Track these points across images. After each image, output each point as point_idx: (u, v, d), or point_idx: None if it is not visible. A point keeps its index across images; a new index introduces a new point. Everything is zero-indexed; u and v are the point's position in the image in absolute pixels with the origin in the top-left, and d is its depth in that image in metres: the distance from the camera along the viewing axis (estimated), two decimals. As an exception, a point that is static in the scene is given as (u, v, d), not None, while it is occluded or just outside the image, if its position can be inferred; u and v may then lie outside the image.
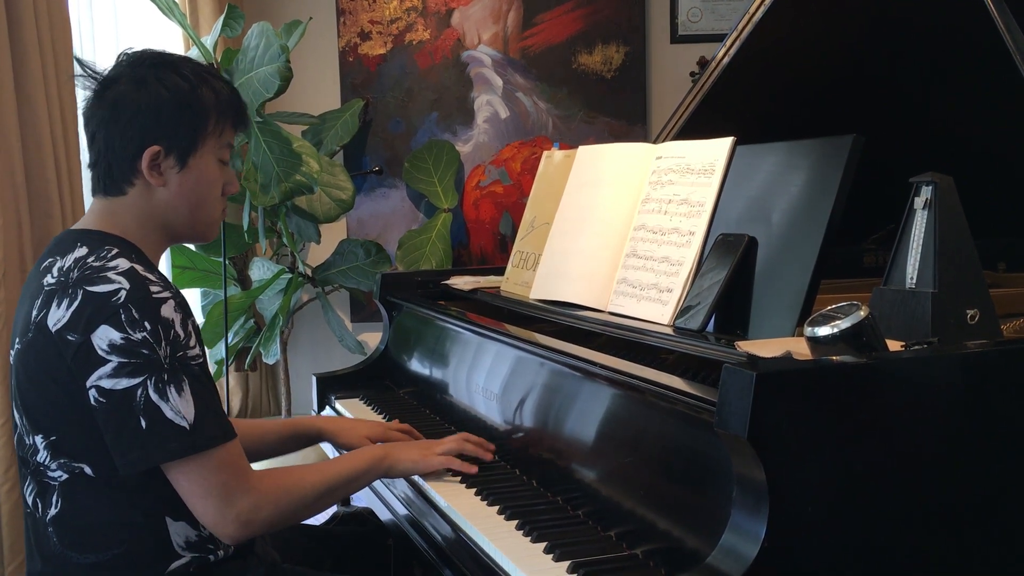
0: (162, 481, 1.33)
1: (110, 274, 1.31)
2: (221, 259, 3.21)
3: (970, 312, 1.28)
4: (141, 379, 1.27)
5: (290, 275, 3.36)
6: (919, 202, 1.31)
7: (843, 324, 1.15)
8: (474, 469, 1.61)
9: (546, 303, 1.88)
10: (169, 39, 3.38)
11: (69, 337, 1.29)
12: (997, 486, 1.17)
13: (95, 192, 1.43)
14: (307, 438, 1.82)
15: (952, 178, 1.31)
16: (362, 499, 2.05)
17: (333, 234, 3.65)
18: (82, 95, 1.47)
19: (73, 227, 1.45)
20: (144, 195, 1.40)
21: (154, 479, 1.33)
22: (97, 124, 1.40)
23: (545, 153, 2.21)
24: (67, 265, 1.34)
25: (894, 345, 1.21)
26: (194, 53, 3.09)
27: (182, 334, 1.31)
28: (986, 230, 1.51)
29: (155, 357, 1.28)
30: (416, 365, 2.26)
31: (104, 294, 1.29)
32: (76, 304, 1.30)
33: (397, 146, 3.74)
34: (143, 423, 1.27)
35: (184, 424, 1.29)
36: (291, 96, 3.33)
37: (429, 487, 1.60)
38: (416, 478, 1.66)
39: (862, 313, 1.16)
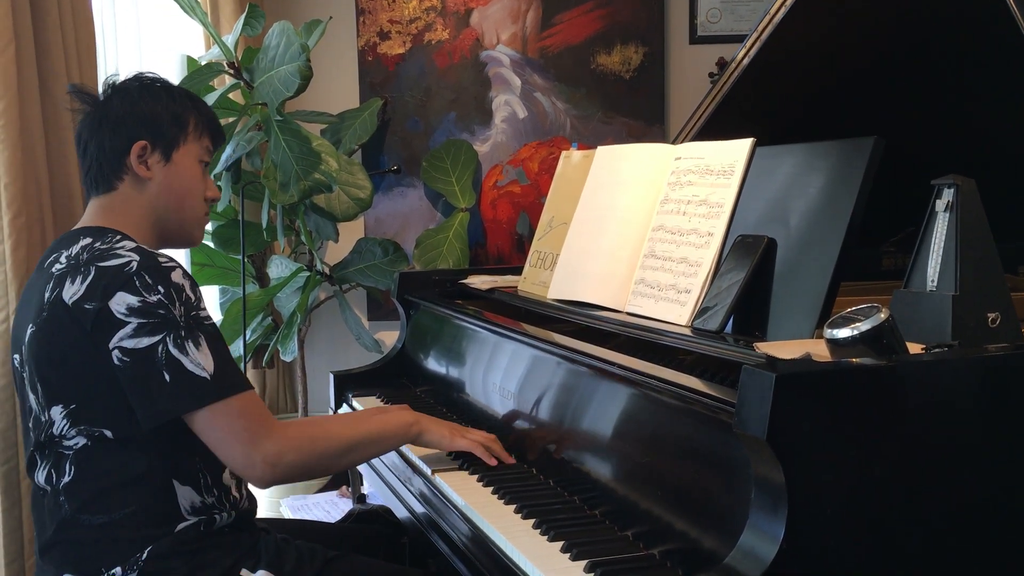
0: (172, 445, 1.42)
1: (120, 251, 1.43)
2: (240, 256, 3.23)
3: (991, 315, 1.27)
4: (160, 336, 1.37)
5: (308, 273, 3.38)
6: (940, 204, 1.30)
7: (863, 326, 1.15)
8: (494, 461, 1.66)
9: (564, 303, 1.89)
10: (191, 38, 3.40)
11: (86, 306, 1.38)
12: (1017, 490, 1.17)
13: (90, 196, 1.57)
14: None
15: (974, 181, 1.30)
16: (378, 497, 2.06)
17: (351, 233, 3.66)
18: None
19: (72, 229, 1.55)
20: (134, 188, 1.54)
21: (166, 442, 1.41)
22: (89, 133, 1.55)
23: (563, 153, 2.21)
24: (75, 252, 1.45)
25: (914, 348, 1.21)
26: (215, 52, 3.11)
27: (192, 297, 1.42)
28: (1007, 234, 1.50)
29: (171, 316, 1.38)
30: (433, 364, 2.26)
31: (117, 266, 1.40)
32: (90, 278, 1.40)
33: (415, 145, 3.74)
34: (167, 376, 1.37)
35: (205, 375, 1.38)
36: (310, 95, 3.35)
37: (446, 485, 1.61)
38: (434, 477, 1.67)
39: (882, 315, 1.16)
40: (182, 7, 2.97)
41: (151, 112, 1.54)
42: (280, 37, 2.92)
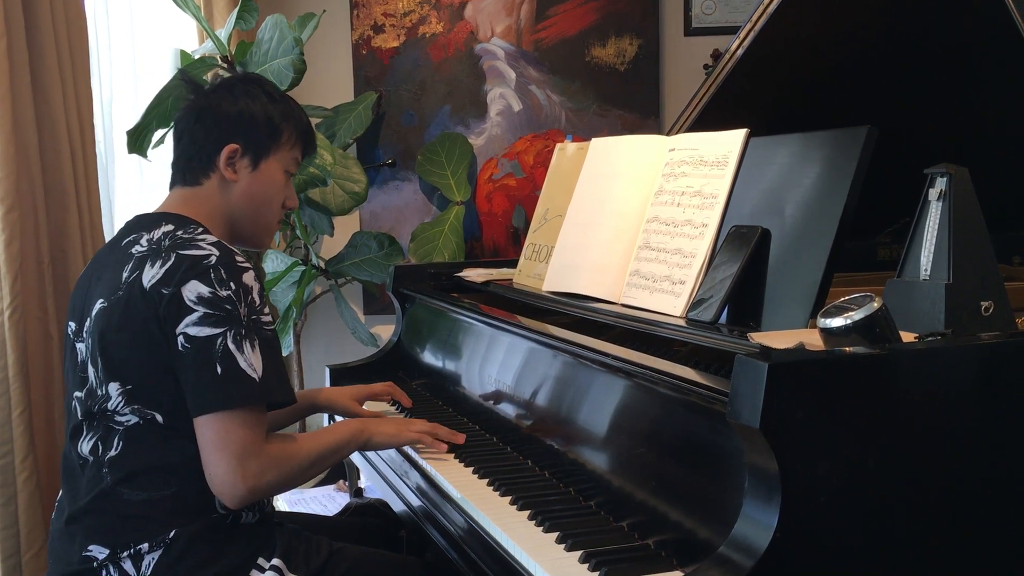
0: None
1: (201, 242, 1.48)
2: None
3: (984, 304, 1.27)
4: (222, 330, 1.42)
5: (303, 267, 3.37)
6: (933, 193, 1.31)
7: (856, 315, 1.15)
8: (444, 447, 1.71)
9: (559, 295, 1.89)
10: (184, 32, 3.39)
11: (163, 291, 1.43)
12: (1010, 478, 1.17)
13: (174, 184, 1.61)
14: (307, 410, 1.98)
15: (967, 169, 1.30)
16: (375, 491, 2.06)
17: (346, 227, 3.65)
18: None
19: (151, 211, 1.60)
20: (218, 188, 1.58)
21: None
22: (185, 124, 1.59)
23: (558, 146, 2.21)
24: (156, 236, 1.50)
25: (908, 337, 1.21)
26: (208, 46, 3.10)
27: (258, 301, 1.47)
28: (1001, 223, 1.50)
29: (236, 313, 1.43)
30: (429, 357, 2.26)
31: (197, 255, 1.45)
32: (170, 264, 1.45)
33: (410, 139, 3.74)
34: (219, 369, 1.41)
35: (255, 375, 1.41)
36: (305, 89, 3.34)
37: (442, 478, 1.61)
38: (430, 470, 1.67)
39: (876, 304, 1.16)
40: (175, 1, 2.96)
41: (248, 117, 1.57)
42: (273, 31, 2.91)
